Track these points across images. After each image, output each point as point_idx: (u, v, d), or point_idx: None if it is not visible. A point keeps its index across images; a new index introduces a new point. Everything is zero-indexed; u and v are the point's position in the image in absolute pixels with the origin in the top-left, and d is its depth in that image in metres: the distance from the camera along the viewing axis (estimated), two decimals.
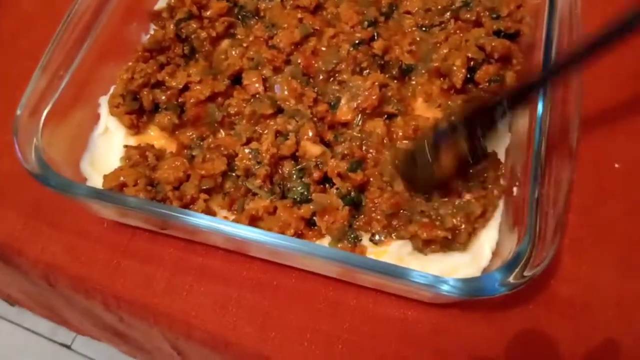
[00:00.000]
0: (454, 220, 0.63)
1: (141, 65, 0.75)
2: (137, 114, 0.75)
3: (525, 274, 0.55)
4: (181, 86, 0.75)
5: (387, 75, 0.76)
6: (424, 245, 0.64)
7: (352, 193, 0.65)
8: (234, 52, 0.79)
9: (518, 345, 0.65)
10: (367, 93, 0.73)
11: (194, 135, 0.74)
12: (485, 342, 0.65)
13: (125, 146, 0.72)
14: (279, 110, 0.74)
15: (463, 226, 0.63)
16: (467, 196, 0.65)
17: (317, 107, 0.73)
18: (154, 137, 0.75)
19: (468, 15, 0.79)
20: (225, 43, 0.81)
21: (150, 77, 0.75)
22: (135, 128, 0.74)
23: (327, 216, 0.65)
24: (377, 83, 0.73)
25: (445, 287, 0.55)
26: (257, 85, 0.75)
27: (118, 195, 0.62)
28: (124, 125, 0.74)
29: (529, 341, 0.66)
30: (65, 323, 1.07)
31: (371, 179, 0.69)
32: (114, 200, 0.61)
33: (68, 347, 1.63)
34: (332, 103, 0.74)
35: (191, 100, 0.74)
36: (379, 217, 0.66)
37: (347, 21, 0.80)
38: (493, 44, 0.72)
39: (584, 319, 0.66)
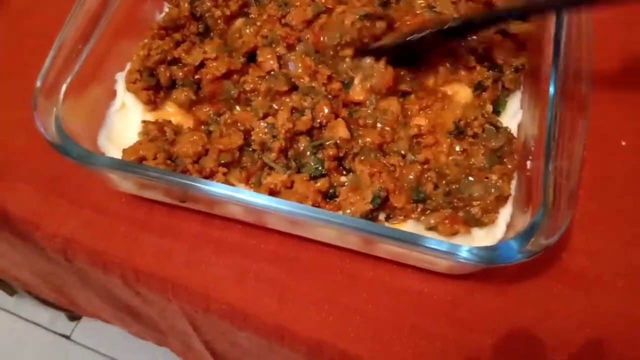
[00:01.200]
0: (482, 209, 0.64)
1: (157, 42, 0.76)
2: (154, 90, 0.75)
3: (542, 241, 0.57)
4: (197, 63, 0.76)
5: None
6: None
7: (381, 193, 0.66)
8: (248, 30, 0.79)
9: (531, 316, 0.67)
10: (381, 73, 0.74)
11: (211, 112, 0.75)
12: (500, 313, 0.66)
13: (144, 121, 0.73)
14: (294, 87, 0.75)
15: (489, 215, 0.65)
16: (493, 177, 0.66)
17: (331, 85, 0.74)
18: (171, 113, 0.76)
19: None
20: (239, 22, 0.82)
21: (166, 54, 0.76)
22: (153, 104, 0.75)
23: (354, 193, 0.66)
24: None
25: (463, 254, 0.56)
26: (271, 62, 0.76)
27: (140, 166, 0.63)
28: (141, 101, 0.74)
29: (542, 312, 0.67)
30: (73, 304, 1.08)
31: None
32: (136, 171, 0.62)
33: (67, 337, 1.63)
34: (345, 82, 0.75)
35: (207, 77, 0.75)
36: (401, 205, 0.66)
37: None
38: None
39: (594, 290, 0.68)
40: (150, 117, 0.75)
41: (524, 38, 0.77)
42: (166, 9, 0.84)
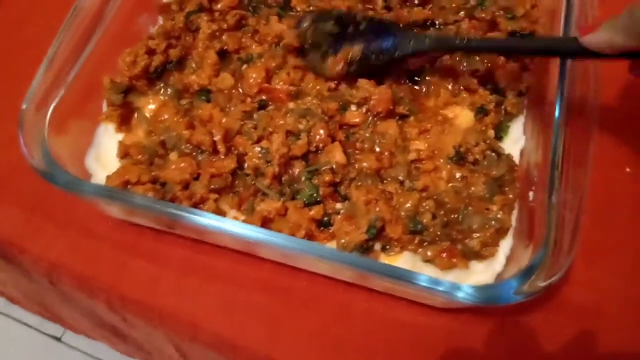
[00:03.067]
0: (481, 243, 0.62)
1: (144, 48, 0.74)
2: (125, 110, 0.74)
3: (540, 283, 0.54)
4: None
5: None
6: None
7: (377, 222, 0.64)
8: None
9: (529, 350, 0.64)
10: (377, 97, 0.71)
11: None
12: (496, 348, 0.64)
13: (120, 142, 0.71)
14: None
15: (488, 248, 0.62)
16: (494, 208, 0.64)
17: (328, 105, 0.72)
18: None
19: (483, 15, 0.77)
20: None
21: (152, 61, 0.74)
22: (125, 125, 0.73)
23: (349, 222, 0.64)
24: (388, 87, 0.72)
25: (460, 294, 0.54)
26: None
27: (127, 195, 0.61)
28: (114, 124, 0.73)
29: (540, 347, 0.65)
30: (59, 320, 1.06)
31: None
32: (123, 200, 0.60)
33: (58, 339, 1.61)
34: (341, 103, 0.72)
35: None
36: (397, 236, 0.64)
37: None
38: None
39: (596, 324, 0.65)
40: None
41: (528, 61, 0.74)
42: (160, 22, 0.82)
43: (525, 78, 0.73)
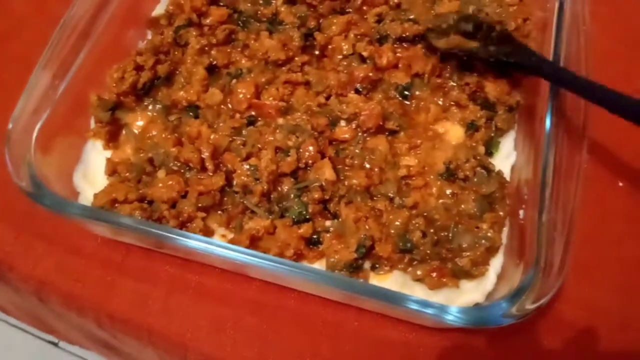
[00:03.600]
0: (472, 261, 0.62)
1: (132, 64, 0.73)
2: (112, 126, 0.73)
3: (530, 306, 0.54)
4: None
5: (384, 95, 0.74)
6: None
7: (366, 241, 0.63)
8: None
9: None
10: (367, 112, 0.71)
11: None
12: None
13: (107, 159, 0.70)
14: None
15: (479, 267, 0.62)
16: (484, 226, 0.64)
17: (318, 120, 0.71)
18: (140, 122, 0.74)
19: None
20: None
21: (139, 77, 0.73)
22: (112, 142, 0.73)
23: (338, 241, 0.63)
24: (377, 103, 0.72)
25: (449, 317, 0.54)
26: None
27: (113, 216, 0.60)
28: (102, 141, 0.72)
29: None
30: (53, 332, 1.05)
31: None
32: (109, 221, 0.59)
33: (55, 344, 1.61)
34: (330, 119, 0.72)
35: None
36: (387, 255, 0.64)
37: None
38: None
39: (587, 342, 0.65)
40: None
41: (520, 76, 0.74)
42: (149, 36, 0.81)
43: (515, 94, 0.73)
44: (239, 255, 0.56)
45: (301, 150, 0.69)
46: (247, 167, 0.67)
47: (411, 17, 0.79)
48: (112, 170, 0.69)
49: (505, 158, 0.71)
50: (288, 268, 0.56)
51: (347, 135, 0.71)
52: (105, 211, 0.62)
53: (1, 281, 0.74)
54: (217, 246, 0.57)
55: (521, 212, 0.64)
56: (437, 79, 0.75)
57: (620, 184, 0.75)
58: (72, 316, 0.71)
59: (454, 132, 0.73)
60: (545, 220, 0.58)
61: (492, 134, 0.72)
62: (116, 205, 0.65)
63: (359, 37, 0.79)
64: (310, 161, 0.69)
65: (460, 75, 0.75)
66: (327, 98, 0.74)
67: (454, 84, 0.74)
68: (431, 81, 0.75)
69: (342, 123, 0.71)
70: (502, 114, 0.72)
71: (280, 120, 0.72)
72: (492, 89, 0.73)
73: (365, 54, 0.76)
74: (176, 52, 0.79)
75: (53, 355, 1.58)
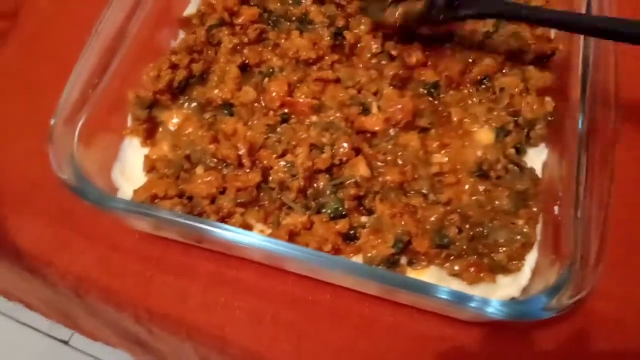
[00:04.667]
0: (508, 256, 0.63)
1: (168, 62, 0.74)
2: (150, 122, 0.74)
3: (569, 300, 0.55)
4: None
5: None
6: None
7: (404, 237, 0.64)
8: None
9: None
10: (399, 106, 0.72)
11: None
12: (523, 359, 0.65)
13: (146, 156, 0.71)
14: None
15: (514, 262, 0.63)
16: (520, 222, 0.64)
17: (350, 110, 0.72)
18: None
19: None
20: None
21: (175, 76, 0.74)
22: (150, 139, 0.74)
23: (375, 236, 0.64)
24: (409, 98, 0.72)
25: (490, 309, 0.55)
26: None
27: (158, 211, 0.61)
28: (139, 138, 0.74)
29: (567, 357, 0.65)
30: (78, 328, 1.06)
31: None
32: (153, 215, 0.60)
33: (65, 342, 1.62)
34: (362, 108, 0.73)
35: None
36: (424, 250, 0.64)
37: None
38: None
39: (621, 336, 0.66)
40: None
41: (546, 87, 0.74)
42: (182, 36, 0.82)
43: (549, 100, 0.72)
44: (285, 248, 0.57)
45: (335, 147, 0.70)
46: (284, 163, 0.68)
47: None
48: (150, 167, 0.70)
49: (537, 155, 0.72)
50: (334, 261, 0.57)
51: (377, 128, 0.72)
52: (150, 206, 0.63)
53: (38, 277, 0.75)
54: (263, 240, 0.58)
55: (556, 209, 0.65)
56: (466, 84, 0.76)
57: None
58: (110, 311, 0.72)
59: (484, 133, 0.73)
60: (581, 216, 0.59)
61: (522, 140, 0.72)
62: (156, 201, 0.66)
63: (387, 35, 0.80)
64: (344, 158, 0.70)
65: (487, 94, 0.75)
66: (359, 92, 0.75)
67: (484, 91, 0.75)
68: (461, 83, 0.75)
69: (374, 110, 0.72)
70: (538, 129, 0.71)
71: (314, 118, 0.73)
72: (528, 109, 0.71)
73: (394, 52, 0.77)
74: (209, 51, 0.80)
75: (63, 353, 1.60)
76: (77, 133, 0.65)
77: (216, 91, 0.75)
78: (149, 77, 0.74)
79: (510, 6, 0.69)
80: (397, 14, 0.72)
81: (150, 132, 0.74)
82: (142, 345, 0.86)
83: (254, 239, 0.59)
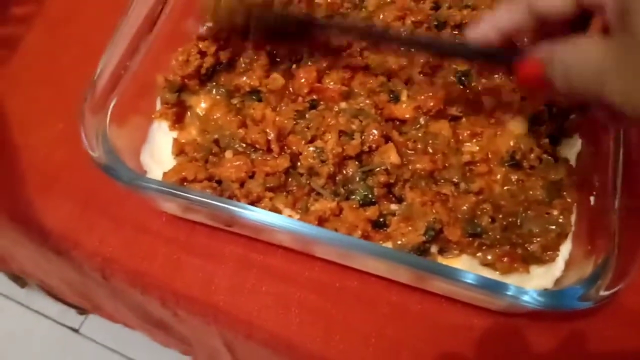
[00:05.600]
0: (542, 247, 0.62)
1: (197, 47, 0.73)
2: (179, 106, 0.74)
3: (605, 292, 0.54)
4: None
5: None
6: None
7: (436, 225, 0.63)
8: None
9: (587, 355, 0.64)
10: (430, 94, 0.71)
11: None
12: (553, 352, 0.64)
13: (174, 139, 0.71)
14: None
15: (549, 253, 0.62)
16: (554, 212, 0.63)
17: (379, 97, 0.71)
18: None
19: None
20: None
21: (203, 62, 0.74)
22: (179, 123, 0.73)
23: (406, 224, 0.63)
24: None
25: (526, 298, 0.54)
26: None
27: (190, 192, 0.61)
28: (168, 122, 0.73)
29: (596, 351, 0.64)
30: (97, 309, 1.07)
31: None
32: (185, 197, 0.60)
33: (76, 330, 1.64)
34: (392, 96, 0.72)
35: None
36: (456, 239, 0.63)
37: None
38: None
39: None
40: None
41: None
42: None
43: None
44: (315, 232, 0.57)
45: (365, 133, 0.69)
46: (313, 149, 0.68)
47: (469, 3, 0.79)
48: (180, 150, 0.70)
49: (571, 145, 0.71)
50: (368, 246, 0.57)
51: (407, 115, 0.71)
52: (181, 187, 0.63)
53: (64, 257, 0.75)
54: (296, 223, 0.58)
55: (592, 199, 0.64)
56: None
57: None
58: (136, 294, 0.72)
59: (517, 122, 0.72)
60: (618, 207, 0.58)
61: (558, 132, 0.70)
62: (185, 183, 0.66)
63: (416, 23, 0.79)
64: (374, 145, 0.69)
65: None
66: (389, 79, 0.74)
67: None
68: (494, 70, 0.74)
69: (403, 98, 0.71)
70: (573, 118, 0.70)
71: (343, 104, 0.73)
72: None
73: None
74: (236, 39, 0.79)
75: (73, 341, 1.62)
76: (109, 113, 0.65)
77: (244, 78, 0.75)
78: (177, 61, 0.73)
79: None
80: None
81: (179, 116, 0.73)
82: (165, 328, 0.86)
83: (288, 222, 0.58)
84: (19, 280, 1.49)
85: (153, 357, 1.36)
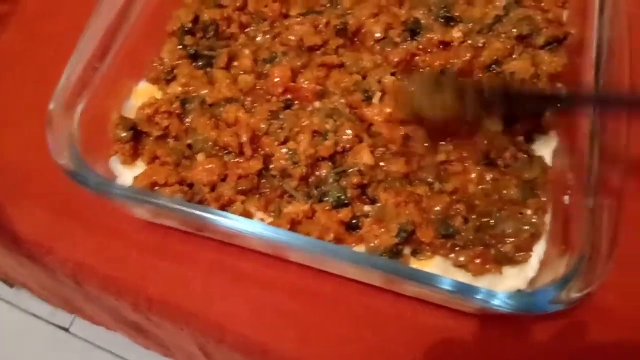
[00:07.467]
0: (516, 247, 0.61)
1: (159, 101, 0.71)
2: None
3: (576, 293, 0.53)
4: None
5: None
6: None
7: (408, 226, 0.62)
8: None
9: (560, 356, 0.64)
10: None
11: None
12: (526, 353, 0.64)
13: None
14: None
15: (522, 253, 0.61)
16: (528, 212, 0.63)
17: (353, 96, 0.71)
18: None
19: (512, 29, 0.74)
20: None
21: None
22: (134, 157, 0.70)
23: (379, 225, 0.63)
24: None
25: (496, 302, 0.53)
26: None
27: (157, 197, 0.60)
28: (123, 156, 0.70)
29: (571, 352, 0.64)
30: (78, 312, 1.06)
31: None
32: (153, 202, 0.59)
33: (66, 329, 1.63)
34: (366, 95, 0.71)
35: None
36: (428, 240, 0.63)
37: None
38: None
39: (630, 332, 0.64)
40: None
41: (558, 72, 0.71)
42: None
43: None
44: (287, 237, 0.56)
45: (338, 133, 0.68)
46: (285, 150, 0.67)
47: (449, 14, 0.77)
48: (152, 155, 0.69)
49: (546, 143, 0.70)
50: (336, 250, 0.56)
51: (379, 119, 0.69)
52: (150, 192, 0.62)
53: (37, 263, 0.74)
54: (264, 228, 0.57)
55: (566, 198, 0.63)
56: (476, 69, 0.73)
57: None
58: (109, 299, 0.72)
59: (491, 121, 0.71)
60: (593, 206, 0.57)
61: (533, 130, 0.70)
62: (156, 187, 0.65)
63: (389, 24, 0.77)
64: (347, 145, 0.68)
65: None
66: (364, 78, 0.73)
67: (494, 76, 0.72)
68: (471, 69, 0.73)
69: (375, 100, 0.70)
70: (548, 116, 0.69)
71: (317, 104, 0.72)
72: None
73: (398, 40, 0.75)
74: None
75: (64, 340, 1.61)
76: (76, 118, 0.64)
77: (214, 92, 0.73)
78: (143, 114, 0.69)
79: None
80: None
81: (135, 149, 0.70)
82: (141, 331, 0.86)
83: (254, 227, 0.57)
84: (7, 280, 1.49)
85: (142, 355, 1.36)
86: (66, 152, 0.61)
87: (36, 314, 1.65)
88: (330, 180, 0.67)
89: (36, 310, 1.65)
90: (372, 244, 0.63)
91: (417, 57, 0.74)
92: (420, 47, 0.75)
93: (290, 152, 0.67)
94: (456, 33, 0.74)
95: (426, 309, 0.65)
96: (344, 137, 0.68)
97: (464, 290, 0.54)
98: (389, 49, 0.75)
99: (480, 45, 0.74)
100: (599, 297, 0.64)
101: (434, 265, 0.63)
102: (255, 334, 0.65)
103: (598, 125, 0.61)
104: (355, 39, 0.78)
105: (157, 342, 0.92)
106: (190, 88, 0.73)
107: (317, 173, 0.68)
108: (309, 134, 0.68)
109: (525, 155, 0.67)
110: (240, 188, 0.66)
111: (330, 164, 0.68)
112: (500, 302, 0.53)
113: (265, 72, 0.75)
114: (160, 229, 0.70)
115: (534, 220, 0.62)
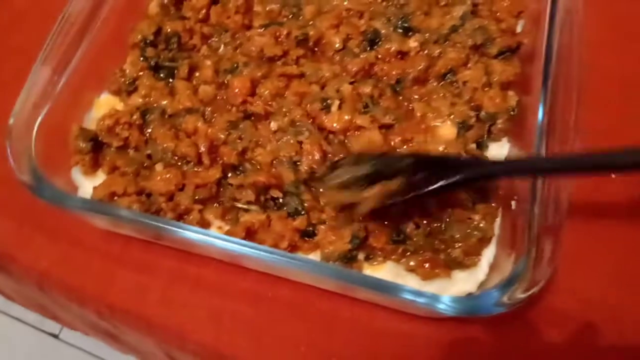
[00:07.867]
0: (464, 252, 0.63)
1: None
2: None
3: (521, 295, 0.55)
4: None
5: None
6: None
7: (360, 233, 0.64)
8: None
9: (514, 357, 0.65)
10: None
11: None
12: (483, 355, 0.65)
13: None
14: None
15: (471, 258, 0.63)
16: (476, 217, 0.64)
17: (312, 105, 0.72)
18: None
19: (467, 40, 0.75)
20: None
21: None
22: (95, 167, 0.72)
23: (333, 232, 0.64)
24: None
25: (441, 306, 0.55)
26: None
27: (112, 208, 0.62)
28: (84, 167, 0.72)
29: (525, 354, 0.65)
30: (57, 318, 1.07)
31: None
32: (108, 213, 0.60)
33: (55, 336, 1.64)
34: (324, 103, 0.72)
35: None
36: (380, 246, 0.64)
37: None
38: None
39: (580, 332, 0.66)
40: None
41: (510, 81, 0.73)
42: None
43: (512, 95, 0.72)
44: (236, 246, 0.58)
45: (294, 142, 0.69)
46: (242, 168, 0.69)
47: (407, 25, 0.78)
48: (112, 165, 0.70)
49: (499, 150, 0.72)
50: (284, 259, 0.57)
51: (337, 126, 0.71)
52: (105, 204, 0.63)
53: (4, 273, 0.75)
54: (214, 237, 0.58)
55: (513, 203, 0.64)
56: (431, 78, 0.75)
57: (613, 175, 0.75)
58: (74, 307, 0.73)
59: (446, 128, 0.73)
60: (537, 211, 0.59)
61: (485, 135, 0.71)
62: (115, 198, 0.66)
63: (349, 35, 0.79)
64: (309, 157, 0.69)
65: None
66: (322, 88, 0.74)
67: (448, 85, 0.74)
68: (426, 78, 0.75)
69: (333, 108, 0.71)
70: (500, 123, 0.71)
71: (273, 126, 0.72)
72: (490, 103, 0.71)
73: (357, 50, 0.77)
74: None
75: (53, 347, 1.61)
76: (35, 131, 0.65)
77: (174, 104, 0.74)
78: (103, 126, 0.71)
79: (519, 164, 0.64)
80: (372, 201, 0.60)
81: (95, 160, 0.72)
82: (113, 337, 0.87)
83: (207, 236, 0.59)
84: None
85: None
86: (25, 164, 0.63)
87: (25, 321, 1.65)
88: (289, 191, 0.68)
89: (25, 317, 1.65)
90: (326, 251, 0.64)
91: (375, 67, 0.76)
92: (379, 56, 0.76)
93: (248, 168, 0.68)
94: (413, 43, 0.76)
95: (382, 313, 0.66)
96: (303, 147, 0.69)
97: (410, 295, 0.55)
98: (348, 59, 0.77)
99: (436, 55, 0.76)
100: (550, 299, 0.66)
101: (386, 271, 0.64)
102: (214, 341, 0.66)
103: (545, 130, 0.63)
104: (316, 50, 0.80)
105: (130, 347, 0.93)
106: (151, 99, 0.74)
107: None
108: (268, 153, 0.69)
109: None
110: (198, 197, 0.67)
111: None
112: (445, 306, 0.55)
113: (226, 82, 0.76)
114: (121, 238, 0.71)
115: (482, 225, 0.64)
